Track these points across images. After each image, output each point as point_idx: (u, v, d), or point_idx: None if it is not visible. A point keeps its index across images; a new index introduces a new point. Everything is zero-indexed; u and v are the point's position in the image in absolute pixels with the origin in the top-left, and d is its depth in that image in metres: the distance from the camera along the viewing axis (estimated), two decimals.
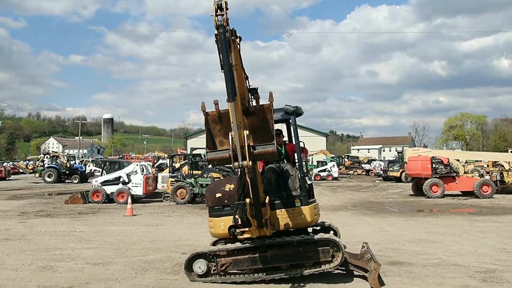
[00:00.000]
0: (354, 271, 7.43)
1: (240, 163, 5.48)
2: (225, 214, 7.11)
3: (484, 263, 8.44)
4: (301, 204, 7.15)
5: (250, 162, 5.49)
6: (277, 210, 7.04)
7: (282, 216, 7.04)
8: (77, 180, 36.94)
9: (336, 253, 7.00)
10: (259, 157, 5.74)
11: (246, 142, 5.46)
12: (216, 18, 5.08)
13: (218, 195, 7.23)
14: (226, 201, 7.16)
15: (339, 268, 7.30)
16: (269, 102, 6.07)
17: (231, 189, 7.17)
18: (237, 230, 6.98)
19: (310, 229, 7.83)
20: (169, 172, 24.55)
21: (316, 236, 7.12)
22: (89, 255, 9.30)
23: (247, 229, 6.90)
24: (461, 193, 23.90)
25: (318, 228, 8.42)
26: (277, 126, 7.22)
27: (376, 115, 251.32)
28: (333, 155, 53.54)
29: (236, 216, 6.87)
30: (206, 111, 6.11)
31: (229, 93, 5.25)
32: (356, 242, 9.68)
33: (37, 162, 46.82)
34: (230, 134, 5.53)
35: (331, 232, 8.38)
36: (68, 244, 10.57)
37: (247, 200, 6.47)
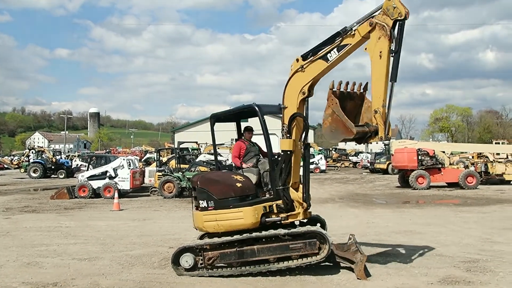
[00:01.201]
0: (340, 263, 7.48)
1: (386, 135, 6.38)
2: (255, 203, 7.08)
3: (468, 253, 8.57)
4: None
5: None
6: None
7: None
8: (63, 175, 36.49)
9: (322, 246, 7.01)
10: None
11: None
12: (405, 7, 6.16)
13: (238, 184, 7.19)
14: (247, 191, 7.19)
15: (326, 260, 7.34)
16: (365, 92, 7.06)
17: (242, 179, 7.33)
18: (281, 215, 7.06)
19: (297, 222, 7.85)
20: (156, 166, 24.44)
21: (303, 229, 7.14)
22: (75, 251, 9.23)
23: (293, 213, 7.13)
24: (446, 185, 24.17)
25: (305, 220, 8.43)
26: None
27: None
28: (320, 148, 53.68)
29: (275, 203, 7.06)
30: (333, 89, 6.77)
31: (394, 75, 6.24)
32: (343, 234, 9.74)
33: (22, 157, 46.13)
34: (377, 110, 6.34)
35: (318, 224, 8.39)
36: (53, 239, 10.48)
37: (292, 185, 7.13)
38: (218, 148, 27.84)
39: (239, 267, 7.11)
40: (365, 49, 6.46)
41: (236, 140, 8.44)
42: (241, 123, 8.51)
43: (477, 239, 10.00)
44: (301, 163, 7.48)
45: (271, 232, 7.02)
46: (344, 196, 20.56)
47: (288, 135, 7.07)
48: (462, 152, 36.49)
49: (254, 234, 7.00)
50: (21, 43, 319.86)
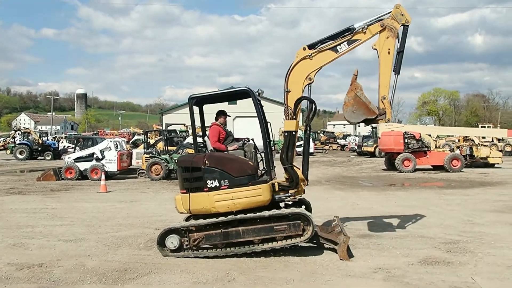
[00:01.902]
0: (324, 244, 7.59)
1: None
2: (268, 180, 7.31)
3: (449, 234, 8.75)
4: None
5: None
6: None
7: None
8: (50, 156, 36.19)
9: (306, 227, 7.12)
10: None
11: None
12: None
13: (251, 163, 7.41)
14: (256, 170, 7.42)
15: (310, 241, 7.45)
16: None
17: (248, 158, 7.66)
18: (290, 191, 7.46)
19: (282, 204, 7.94)
20: (144, 148, 24.35)
21: (287, 211, 7.23)
22: (61, 232, 9.24)
23: (298, 189, 7.61)
24: (432, 167, 24.50)
25: (290, 202, 8.52)
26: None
27: None
28: None
29: (276, 181, 7.43)
30: (356, 75, 7.53)
31: (398, 69, 7.49)
32: (328, 216, 9.88)
33: (8, 138, 45.77)
34: (385, 96, 7.41)
35: (303, 206, 8.49)
36: (39, 221, 10.47)
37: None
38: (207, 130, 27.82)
39: (224, 248, 7.20)
40: (374, 45, 7.50)
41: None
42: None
43: (459, 220, 10.20)
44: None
45: (256, 214, 7.10)
46: (331, 178, 20.74)
47: (294, 117, 7.49)
48: (448, 136, 36.94)
49: (239, 215, 7.08)
50: (5, 23, 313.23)
